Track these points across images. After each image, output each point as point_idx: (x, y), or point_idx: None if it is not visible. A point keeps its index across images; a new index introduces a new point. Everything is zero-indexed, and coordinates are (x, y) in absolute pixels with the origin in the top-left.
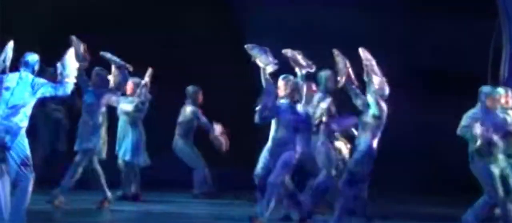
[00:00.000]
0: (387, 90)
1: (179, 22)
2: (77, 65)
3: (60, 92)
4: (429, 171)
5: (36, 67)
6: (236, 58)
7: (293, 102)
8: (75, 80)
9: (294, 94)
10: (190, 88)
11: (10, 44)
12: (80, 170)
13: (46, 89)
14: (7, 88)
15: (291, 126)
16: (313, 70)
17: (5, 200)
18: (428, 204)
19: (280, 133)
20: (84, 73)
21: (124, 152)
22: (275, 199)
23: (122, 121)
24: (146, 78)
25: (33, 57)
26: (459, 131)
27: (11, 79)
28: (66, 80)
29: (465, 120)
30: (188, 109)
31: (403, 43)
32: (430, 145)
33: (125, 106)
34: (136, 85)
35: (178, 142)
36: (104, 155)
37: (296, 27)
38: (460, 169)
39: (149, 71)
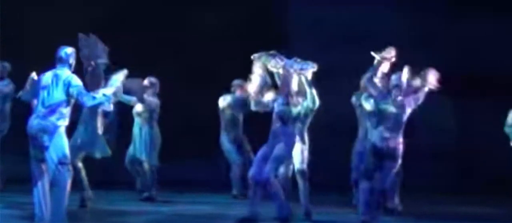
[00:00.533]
0: None
1: (214, 22)
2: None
3: (84, 100)
4: (461, 170)
5: (71, 61)
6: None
7: (285, 95)
8: (104, 98)
9: (284, 87)
10: (236, 81)
11: None
12: None
13: (76, 93)
14: (44, 87)
15: (280, 118)
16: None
17: (45, 200)
18: (459, 203)
19: (274, 126)
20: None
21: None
22: (281, 194)
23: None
24: (145, 81)
25: (66, 51)
26: (505, 128)
27: (47, 77)
28: (97, 96)
29: (510, 117)
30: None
31: (443, 44)
32: (463, 145)
33: (137, 107)
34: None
35: (221, 136)
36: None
37: (333, 27)
38: (491, 168)
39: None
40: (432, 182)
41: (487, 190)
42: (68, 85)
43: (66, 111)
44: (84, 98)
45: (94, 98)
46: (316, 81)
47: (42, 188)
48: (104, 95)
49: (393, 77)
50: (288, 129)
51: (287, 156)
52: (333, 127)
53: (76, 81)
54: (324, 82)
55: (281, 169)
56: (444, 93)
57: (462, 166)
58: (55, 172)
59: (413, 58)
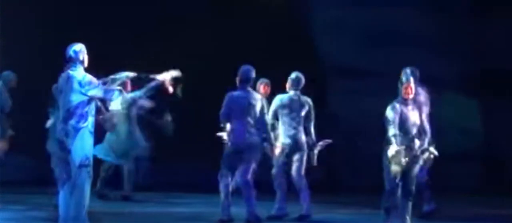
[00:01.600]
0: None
1: (240, 24)
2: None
3: (108, 96)
4: (489, 172)
5: (82, 57)
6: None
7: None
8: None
9: None
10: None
11: None
12: None
13: (97, 91)
14: (61, 91)
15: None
16: None
17: (68, 202)
18: (488, 205)
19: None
20: None
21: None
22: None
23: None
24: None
25: (75, 49)
26: None
27: (62, 80)
28: (115, 86)
29: None
30: None
31: (468, 45)
32: (490, 146)
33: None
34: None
35: None
36: None
37: (356, 27)
38: None
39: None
40: (465, 183)
41: None
42: (85, 85)
43: (88, 111)
44: (109, 93)
45: (116, 90)
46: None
47: (68, 190)
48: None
49: None
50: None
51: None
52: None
53: (92, 79)
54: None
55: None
56: (469, 93)
57: (491, 168)
58: (76, 174)
59: (437, 59)
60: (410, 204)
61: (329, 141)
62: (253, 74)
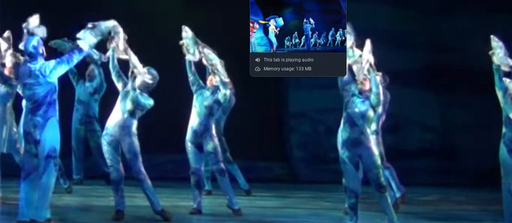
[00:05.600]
0: None
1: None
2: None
3: (75, 58)
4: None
5: (41, 50)
6: None
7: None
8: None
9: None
10: None
11: None
12: None
13: (60, 67)
14: (24, 85)
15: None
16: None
17: (31, 194)
18: (448, 199)
19: None
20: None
21: None
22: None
23: None
24: None
25: (33, 43)
26: None
27: (24, 75)
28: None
29: None
30: None
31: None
32: (448, 140)
33: None
34: None
35: None
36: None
37: None
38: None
39: None
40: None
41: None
42: (46, 69)
43: (53, 100)
44: (73, 56)
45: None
46: None
47: (31, 182)
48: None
49: None
50: None
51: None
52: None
53: (51, 61)
54: None
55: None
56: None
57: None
58: (42, 165)
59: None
60: (386, 196)
61: None
62: None
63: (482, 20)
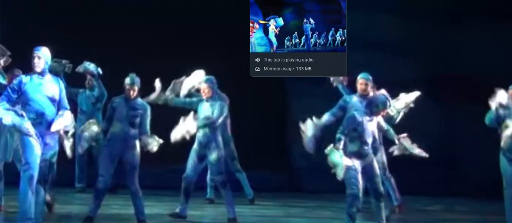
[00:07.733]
0: None
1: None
2: None
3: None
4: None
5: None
6: None
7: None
8: None
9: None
10: None
11: None
12: None
13: None
14: None
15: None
16: None
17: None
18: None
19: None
20: None
21: None
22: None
23: None
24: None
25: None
26: None
27: None
28: None
29: None
30: None
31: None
32: (451, 151)
33: None
34: None
35: None
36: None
37: None
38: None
39: None
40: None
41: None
42: None
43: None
44: None
45: None
46: None
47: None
48: None
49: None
50: None
51: None
52: None
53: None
54: None
55: None
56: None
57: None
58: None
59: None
60: (382, 205)
61: None
62: None
63: (485, 30)
